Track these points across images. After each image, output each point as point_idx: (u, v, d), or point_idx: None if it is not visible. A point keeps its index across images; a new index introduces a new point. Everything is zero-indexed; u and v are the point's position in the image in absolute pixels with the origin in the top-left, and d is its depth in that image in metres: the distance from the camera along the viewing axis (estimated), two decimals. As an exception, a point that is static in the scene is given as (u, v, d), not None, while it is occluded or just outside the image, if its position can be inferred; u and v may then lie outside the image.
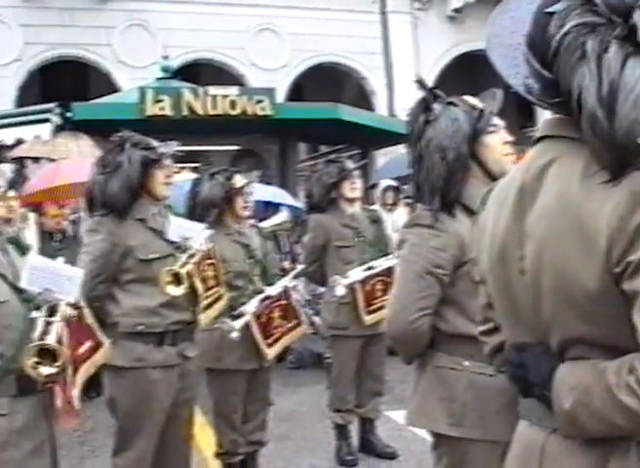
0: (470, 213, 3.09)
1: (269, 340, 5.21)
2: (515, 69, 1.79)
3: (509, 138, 3.24)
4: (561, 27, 1.63)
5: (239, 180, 5.36)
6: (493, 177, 3.18)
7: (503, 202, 1.88)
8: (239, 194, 5.35)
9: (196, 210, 5.23)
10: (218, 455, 5.48)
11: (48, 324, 2.99)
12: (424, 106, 3.19)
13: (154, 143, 4.44)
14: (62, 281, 3.14)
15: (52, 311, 3.06)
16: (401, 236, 3.27)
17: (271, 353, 5.24)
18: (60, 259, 3.35)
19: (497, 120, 3.21)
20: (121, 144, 4.37)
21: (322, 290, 6.97)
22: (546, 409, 1.77)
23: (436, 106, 3.16)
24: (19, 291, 3.08)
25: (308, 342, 8.91)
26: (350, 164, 6.28)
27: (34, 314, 3.03)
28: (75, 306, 3.21)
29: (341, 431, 6.28)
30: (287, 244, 10.54)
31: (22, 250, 3.32)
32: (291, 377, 8.78)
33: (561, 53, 1.63)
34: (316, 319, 8.61)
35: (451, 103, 3.17)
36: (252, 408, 5.42)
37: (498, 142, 3.19)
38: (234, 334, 4.94)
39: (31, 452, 3.06)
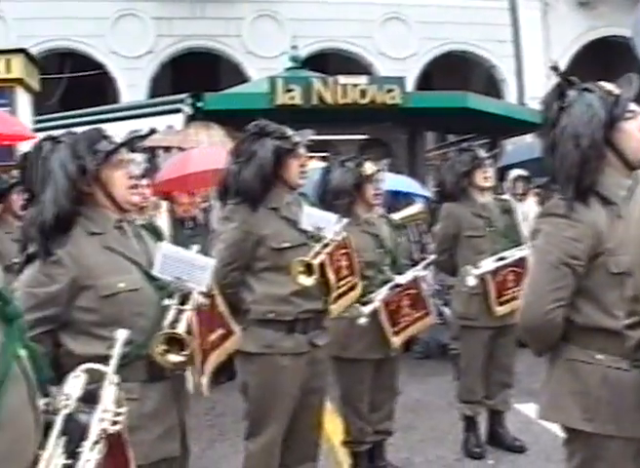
0: (606, 202, 3.02)
1: (396, 328, 5.17)
2: None
3: None
4: None
5: (369, 168, 5.32)
6: (630, 166, 3.09)
7: None
8: (370, 181, 5.31)
9: (327, 197, 5.23)
10: (345, 443, 5.51)
11: (179, 312, 3.04)
12: (559, 93, 3.10)
13: (289, 132, 4.44)
14: (195, 270, 3.18)
15: (184, 299, 3.11)
16: (535, 225, 3.19)
17: (397, 341, 5.21)
18: (194, 248, 3.40)
19: (634, 106, 3.10)
20: (256, 133, 4.40)
21: (451, 280, 6.90)
22: None
23: (571, 93, 3.07)
24: (152, 278, 3.14)
25: (435, 332, 8.85)
26: (483, 152, 6.18)
27: (166, 302, 3.09)
28: (207, 294, 3.25)
29: (469, 423, 6.21)
30: (415, 233, 10.48)
31: (158, 236, 3.39)
32: (417, 367, 8.73)
33: None
34: (445, 309, 8.56)
35: (586, 89, 3.08)
36: (379, 397, 5.41)
37: (635, 129, 3.07)
38: (362, 320, 4.93)
39: (161, 436, 3.12)
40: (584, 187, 3.00)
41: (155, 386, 3.09)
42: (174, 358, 2.94)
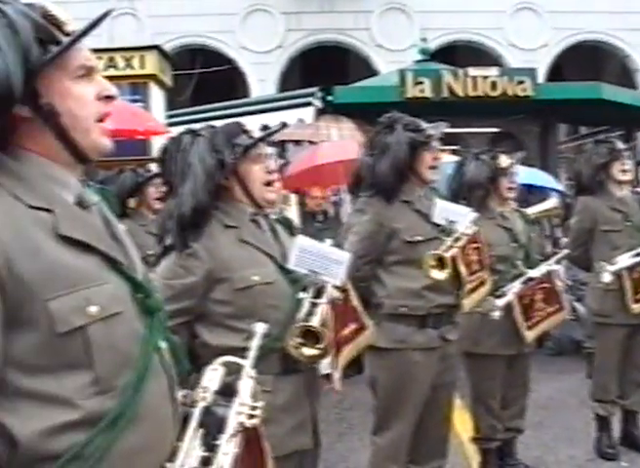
0: None
1: (529, 323, 5.06)
2: None
3: None
4: None
5: (504, 161, 5.24)
6: None
7: None
8: (504, 175, 5.23)
9: (461, 191, 5.17)
10: (474, 440, 5.44)
11: (314, 305, 3.05)
12: None
13: (423, 125, 4.41)
14: (330, 263, 3.19)
15: (318, 293, 3.11)
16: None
17: (530, 336, 5.09)
18: (328, 241, 3.40)
19: None
20: (390, 125, 4.38)
21: (584, 275, 6.74)
22: None
23: None
24: (286, 271, 3.15)
25: (568, 329, 8.67)
26: (621, 144, 6.00)
27: (301, 295, 3.09)
28: (341, 289, 3.25)
29: (603, 422, 6.04)
30: (548, 228, 10.29)
31: (291, 230, 3.41)
32: (549, 364, 8.56)
33: None
34: (577, 305, 8.39)
35: None
36: (511, 394, 5.33)
37: None
38: (496, 314, 4.85)
39: (293, 429, 3.12)
40: None
41: (288, 379, 3.10)
42: (308, 351, 2.95)
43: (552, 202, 8.30)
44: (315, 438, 3.27)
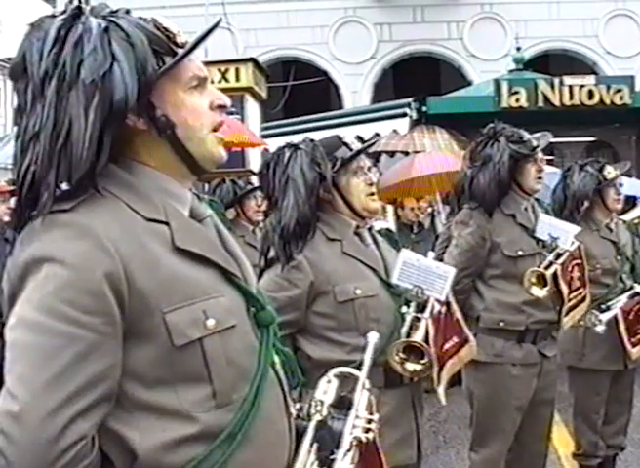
0: None
1: (634, 339, 4.96)
2: None
3: None
4: None
5: (610, 171, 5.12)
6: None
7: None
8: (610, 186, 5.12)
9: (567, 203, 5.08)
10: (575, 456, 5.33)
11: (417, 320, 3.04)
12: None
13: (526, 136, 4.35)
14: (434, 278, 3.17)
15: (421, 307, 3.10)
16: None
17: (635, 353, 4.97)
18: (431, 255, 3.39)
19: None
20: (492, 136, 4.34)
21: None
22: None
23: None
24: (389, 285, 3.14)
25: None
26: None
27: (403, 309, 3.09)
28: (444, 303, 3.24)
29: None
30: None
31: (395, 244, 3.41)
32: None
33: None
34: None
35: None
36: (614, 410, 5.22)
37: None
38: (600, 328, 4.78)
39: (397, 442, 3.10)
40: None
41: (392, 393, 3.09)
42: (412, 366, 2.95)
43: (643, 208, 8.13)
44: (418, 452, 3.25)
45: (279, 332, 2.89)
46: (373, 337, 2.36)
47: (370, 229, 3.34)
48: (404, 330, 3.02)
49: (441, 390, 3.13)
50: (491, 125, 4.41)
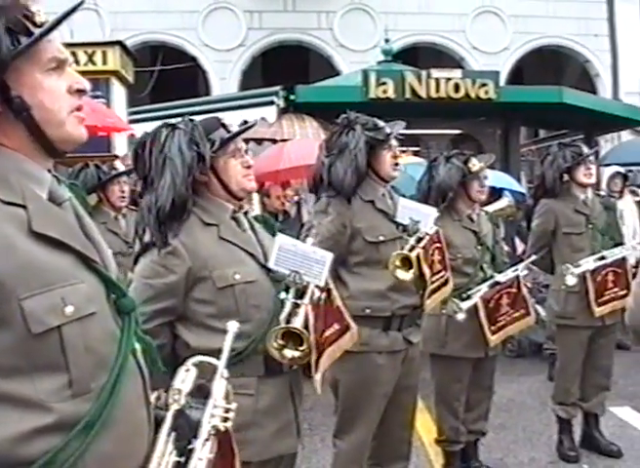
0: None
1: (494, 327, 5.08)
2: None
3: None
4: None
5: (475, 164, 5.21)
6: None
7: None
8: (475, 178, 5.22)
9: (431, 194, 5.14)
10: (438, 442, 5.43)
11: (296, 306, 3.00)
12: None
13: (381, 124, 4.38)
14: (311, 263, 3.14)
15: (300, 293, 3.06)
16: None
17: (495, 340, 5.10)
18: (309, 240, 3.36)
19: None
20: (347, 125, 4.33)
21: (544, 277, 6.77)
22: None
23: None
24: (267, 270, 3.10)
25: (528, 331, 8.69)
26: (586, 148, 6.02)
27: (282, 295, 3.05)
28: (324, 289, 3.21)
29: (564, 425, 6.06)
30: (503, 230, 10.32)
31: (272, 229, 3.36)
32: (510, 366, 8.57)
33: None
34: (538, 307, 8.42)
35: None
36: (475, 396, 5.33)
37: None
38: (460, 316, 4.87)
39: (277, 433, 3.08)
40: None
41: (272, 381, 3.06)
42: (290, 353, 2.90)
43: (505, 201, 8.34)
44: (298, 441, 3.22)
45: (156, 320, 2.85)
46: (232, 326, 2.32)
47: (246, 214, 3.28)
48: (283, 316, 2.97)
49: (318, 378, 3.10)
50: (344, 115, 4.41)
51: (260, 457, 2.98)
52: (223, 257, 3.03)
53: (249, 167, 3.18)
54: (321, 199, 4.42)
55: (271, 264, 3.09)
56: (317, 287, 3.13)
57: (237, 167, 3.14)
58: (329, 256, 3.25)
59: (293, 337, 2.89)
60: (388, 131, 4.37)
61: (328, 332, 3.22)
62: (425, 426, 6.25)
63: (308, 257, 3.15)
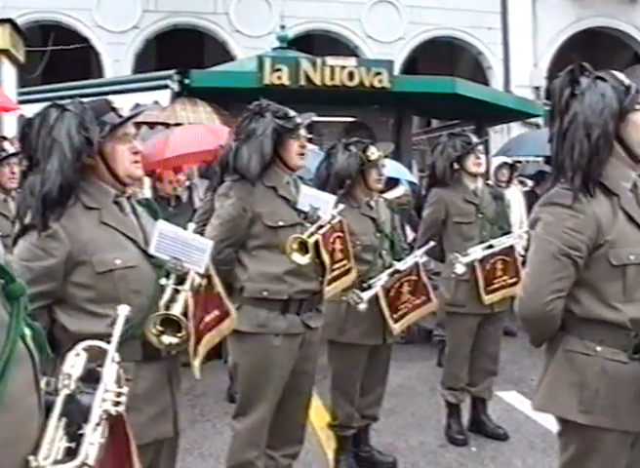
0: (609, 193, 2.99)
1: (396, 315, 5.15)
2: None
3: None
4: None
5: (373, 153, 5.25)
6: (635, 158, 3.06)
7: None
8: (373, 166, 5.25)
9: (330, 181, 5.17)
10: (331, 427, 5.48)
11: (176, 292, 2.99)
12: (571, 79, 3.05)
13: (292, 113, 4.43)
14: (192, 250, 3.13)
15: (181, 279, 3.05)
16: (535, 214, 3.14)
17: (397, 328, 5.18)
18: (191, 227, 3.34)
19: (641, 97, 3.06)
20: (258, 112, 4.38)
21: (434, 265, 6.88)
22: None
23: (583, 80, 3.02)
24: (148, 256, 3.08)
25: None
26: (475, 138, 6.13)
27: (163, 281, 3.03)
28: (205, 275, 3.20)
29: (452, 409, 6.21)
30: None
31: (155, 214, 3.33)
32: (400, 352, 8.57)
33: None
34: (432, 295, 8.55)
35: (599, 78, 3.03)
36: (370, 382, 5.39)
37: None
38: (362, 306, 4.91)
39: (154, 418, 3.08)
40: (592, 179, 2.96)
41: (150, 366, 3.04)
42: (168, 339, 2.90)
43: (401, 190, 8.43)
44: (176, 426, 3.21)
45: (33, 304, 2.78)
46: (123, 310, 2.31)
47: (129, 198, 3.23)
48: (163, 302, 2.96)
49: (197, 363, 3.10)
50: (257, 102, 4.45)
51: (139, 442, 2.96)
52: (104, 242, 3.00)
53: (137, 152, 3.14)
54: (225, 182, 4.46)
55: (152, 250, 3.07)
56: (197, 274, 3.12)
57: (125, 152, 3.10)
58: (209, 244, 3.25)
59: (171, 324, 2.88)
60: (299, 121, 4.42)
61: (208, 318, 3.23)
62: (317, 411, 6.29)
63: (189, 244, 3.13)
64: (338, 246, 4.54)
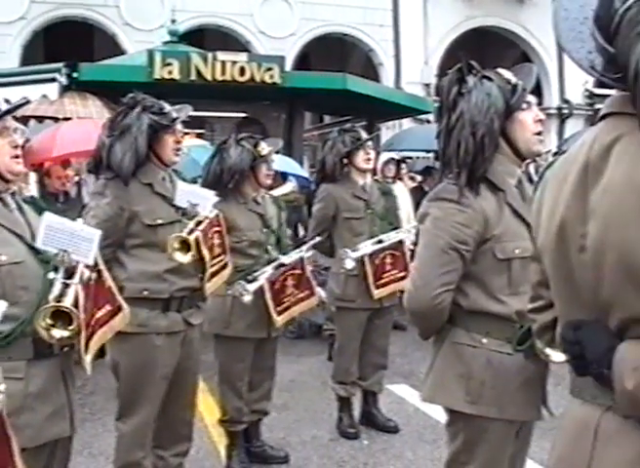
0: (495, 189, 3.08)
1: (280, 308, 5.17)
2: (579, 44, 1.74)
3: (541, 116, 3.19)
4: (624, 2, 1.60)
5: (264, 148, 5.26)
6: (521, 156, 3.16)
7: (564, 179, 1.82)
8: (263, 162, 5.25)
9: (223, 176, 5.13)
10: (221, 422, 5.45)
11: (65, 286, 2.94)
12: (458, 77, 3.12)
13: (167, 108, 4.34)
14: (79, 241, 3.08)
15: (70, 273, 3.00)
16: (423, 209, 3.20)
17: (280, 321, 5.19)
18: (80, 220, 3.30)
19: (530, 97, 3.15)
20: (132, 107, 4.26)
21: (324, 260, 6.93)
22: (601, 386, 1.72)
23: (470, 79, 3.09)
24: (35, 251, 3.03)
25: (309, 313, 8.87)
26: (365, 134, 6.18)
27: (51, 275, 2.98)
28: (94, 269, 3.16)
29: (344, 403, 6.26)
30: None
31: (39, 211, 3.26)
32: (290, 347, 8.71)
33: (622, 27, 1.60)
34: (319, 290, 8.59)
35: (485, 77, 3.10)
36: (258, 376, 5.39)
37: (529, 120, 3.14)
38: (247, 298, 4.92)
39: (50, 416, 3.03)
40: (477, 175, 3.04)
41: (42, 364, 2.99)
42: (59, 333, 2.83)
43: (289, 186, 8.46)
44: (72, 425, 3.17)
45: None
46: (1, 306, 2.23)
47: (14, 194, 3.16)
48: (52, 296, 2.89)
49: (88, 359, 3.04)
50: (132, 95, 4.34)
51: (35, 443, 2.92)
52: None
53: (16, 146, 3.06)
54: (99, 180, 4.35)
55: (39, 243, 3.02)
56: (87, 266, 3.09)
57: (5, 147, 3.02)
58: (97, 234, 3.20)
59: (62, 317, 2.82)
60: (174, 115, 4.34)
61: (100, 314, 3.19)
62: (208, 408, 6.27)
63: (76, 235, 3.09)
64: (216, 241, 4.53)
